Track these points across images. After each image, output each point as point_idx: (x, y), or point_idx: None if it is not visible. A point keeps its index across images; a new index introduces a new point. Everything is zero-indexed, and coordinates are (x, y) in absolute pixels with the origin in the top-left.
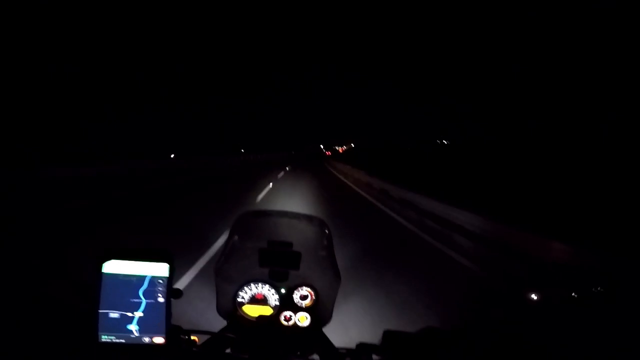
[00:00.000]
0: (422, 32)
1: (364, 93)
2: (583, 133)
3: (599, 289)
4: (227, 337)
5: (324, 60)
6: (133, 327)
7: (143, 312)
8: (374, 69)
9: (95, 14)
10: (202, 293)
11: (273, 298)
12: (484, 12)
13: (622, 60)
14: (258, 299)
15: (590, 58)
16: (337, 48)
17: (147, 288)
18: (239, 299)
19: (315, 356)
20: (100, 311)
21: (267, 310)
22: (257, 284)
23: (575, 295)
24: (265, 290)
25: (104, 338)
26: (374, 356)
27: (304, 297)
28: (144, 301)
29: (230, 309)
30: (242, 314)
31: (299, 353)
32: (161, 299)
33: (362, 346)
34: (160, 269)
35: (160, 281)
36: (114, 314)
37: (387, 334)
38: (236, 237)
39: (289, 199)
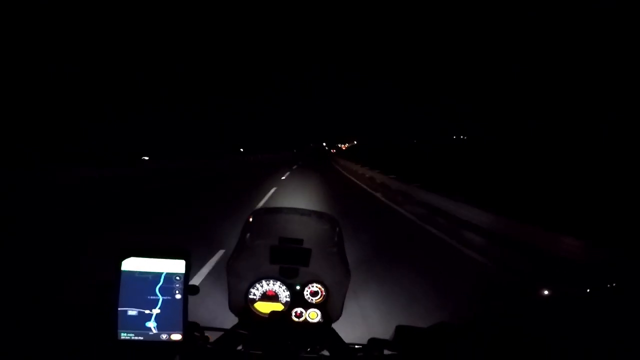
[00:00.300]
0: (422, 32)
1: (364, 93)
2: (583, 133)
3: (613, 284)
4: (239, 333)
5: (324, 60)
6: (151, 324)
7: (160, 309)
8: (374, 69)
9: (95, 14)
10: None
11: (284, 295)
12: (484, 12)
13: (622, 60)
14: (269, 296)
15: (590, 58)
16: (337, 48)
17: (163, 285)
18: (251, 296)
19: (326, 352)
20: (119, 309)
21: (278, 307)
22: (269, 280)
23: (589, 291)
24: (277, 287)
25: (123, 335)
26: (385, 351)
27: (314, 294)
28: (160, 298)
29: (242, 306)
30: (254, 310)
31: (309, 349)
32: (178, 296)
33: (373, 341)
34: (177, 266)
35: (177, 278)
36: (132, 312)
37: (399, 329)
38: (248, 235)
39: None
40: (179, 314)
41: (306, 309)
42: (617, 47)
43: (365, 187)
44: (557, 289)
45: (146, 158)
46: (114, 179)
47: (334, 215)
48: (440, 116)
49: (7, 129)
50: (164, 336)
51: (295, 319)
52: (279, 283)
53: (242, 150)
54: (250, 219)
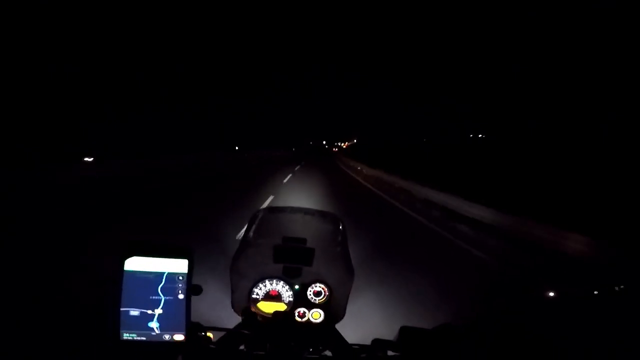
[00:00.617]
0: (422, 32)
1: (364, 93)
2: (583, 133)
3: (621, 287)
4: (242, 333)
5: (324, 60)
6: (154, 324)
7: (162, 309)
8: (374, 69)
9: (95, 14)
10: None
11: (287, 294)
12: (484, 12)
13: (622, 60)
14: (272, 296)
15: (590, 58)
16: (337, 48)
17: (165, 285)
18: (254, 296)
19: (329, 352)
20: (122, 309)
21: (281, 307)
22: (272, 280)
23: (597, 293)
24: (280, 286)
25: (126, 336)
26: (389, 352)
27: (317, 294)
28: (162, 298)
29: (245, 306)
30: (257, 310)
31: (312, 350)
32: (181, 296)
33: (377, 342)
34: (179, 265)
35: (180, 277)
36: (135, 312)
37: (403, 330)
38: (251, 234)
39: None
40: (182, 314)
41: (309, 309)
42: (617, 47)
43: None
44: (563, 290)
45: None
46: (113, 179)
47: (338, 215)
48: (440, 116)
49: (7, 129)
50: (166, 336)
51: (298, 319)
52: (282, 283)
53: (237, 148)
54: (254, 218)
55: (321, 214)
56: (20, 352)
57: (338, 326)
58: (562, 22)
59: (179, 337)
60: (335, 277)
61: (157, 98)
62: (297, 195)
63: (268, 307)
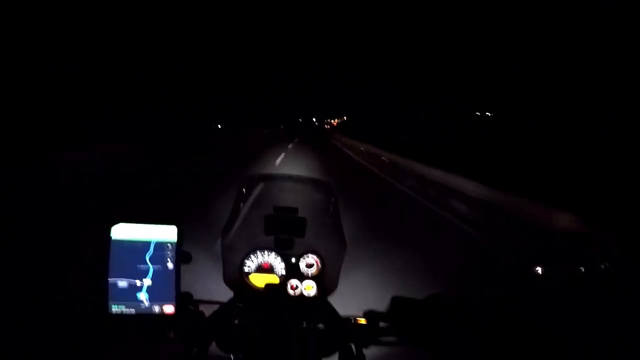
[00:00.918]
0: (422, 32)
1: (364, 93)
2: (583, 133)
3: (607, 264)
4: (235, 306)
5: (324, 60)
6: (142, 295)
7: (151, 279)
8: (374, 69)
9: (95, 14)
10: None
11: (279, 267)
12: (484, 12)
13: (622, 60)
14: (264, 268)
15: (590, 58)
16: (337, 48)
17: (153, 253)
18: (246, 269)
19: (321, 325)
20: (110, 280)
21: (273, 279)
22: (263, 252)
23: (583, 270)
24: (272, 258)
25: (114, 308)
26: (381, 323)
27: (309, 265)
28: (151, 267)
29: (237, 279)
30: (249, 283)
31: (304, 322)
32: (170, 265)
33: (369, 314)
34: (168, 233)
35: (169, 245)
36: (123, 283)
37: (394, 301)
38: (241, 204)
39: None
40: (171, 284)
41: (302, 281)
42: (617, 47)
43: None
44: (550, 267)
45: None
46: (113, 179)
47: (330, 182)
48: (440, 116)
49: (7, 128)
50: (156, 308)
51: (291, 292)
52: (273, 254)
53: (219, 127)
54: (243, 188)
55: (313, 182)
56: (21, 352)
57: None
58: (562, 22)
59: (169, 308)
60: (328, 248)
61: (157, 98)
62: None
63: (260, 280)
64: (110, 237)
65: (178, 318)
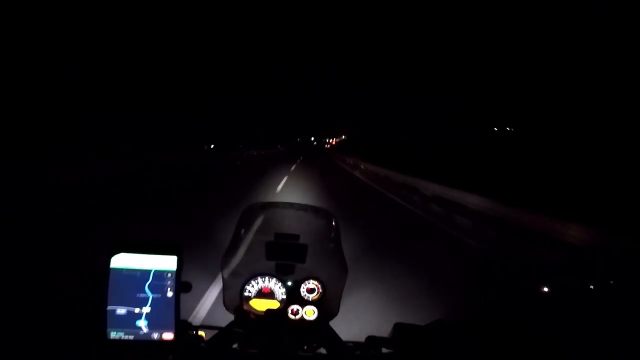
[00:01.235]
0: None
1: (364, 93)
2: (583, 133)
3: (613, 282)
4: (234, 331)
5: (324, 60)
6: (142, 322)
7: (151, 307)
8: (374, 69)
9: (95, 14)
10: None
11: (280, 292)
12: (484, 12)
13: (622, 60)
14: (265, 293)
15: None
16: (337, 48)
17: (152, 282)
18: (246, 293)
19: (323, 350)
20: (109, 308)
21: (274, 304)
22: (264, 277)
23: (593, 288)
24: (272, 284)
25: (113, 335)
26: (383, 349)
27: (310, 291)
28: (150, 296)
29: (237, 304)
30: (249, 308)
31: (305, 347)
32: (170, 294)
33: (371, 339)
34: (168, 262)
35: (168, 275)
36: (122, 310)
37: (397, 327)
38: (242, 230)
39: None
40: (171, 312)
41: (302, 306)
42: (617, 47)
43: None
44: (558, 284)
45: None
46: (113, 179)
47: (331, 210)
48: (440, 116)
49: (7, 128)
50: (155, 335)
51: (292, 317)
52: (274, 280)
53: (212, 146)
54: (245, 214)
55: (314, 210)
56: (20, 352)
57: (332, 323)
58: (562, 22)
59: (168, 335)
60: (329, 274)
61: (157, 98)
62: None
63: (261, 305)
64: (110, 267)
65: (177, 344)
